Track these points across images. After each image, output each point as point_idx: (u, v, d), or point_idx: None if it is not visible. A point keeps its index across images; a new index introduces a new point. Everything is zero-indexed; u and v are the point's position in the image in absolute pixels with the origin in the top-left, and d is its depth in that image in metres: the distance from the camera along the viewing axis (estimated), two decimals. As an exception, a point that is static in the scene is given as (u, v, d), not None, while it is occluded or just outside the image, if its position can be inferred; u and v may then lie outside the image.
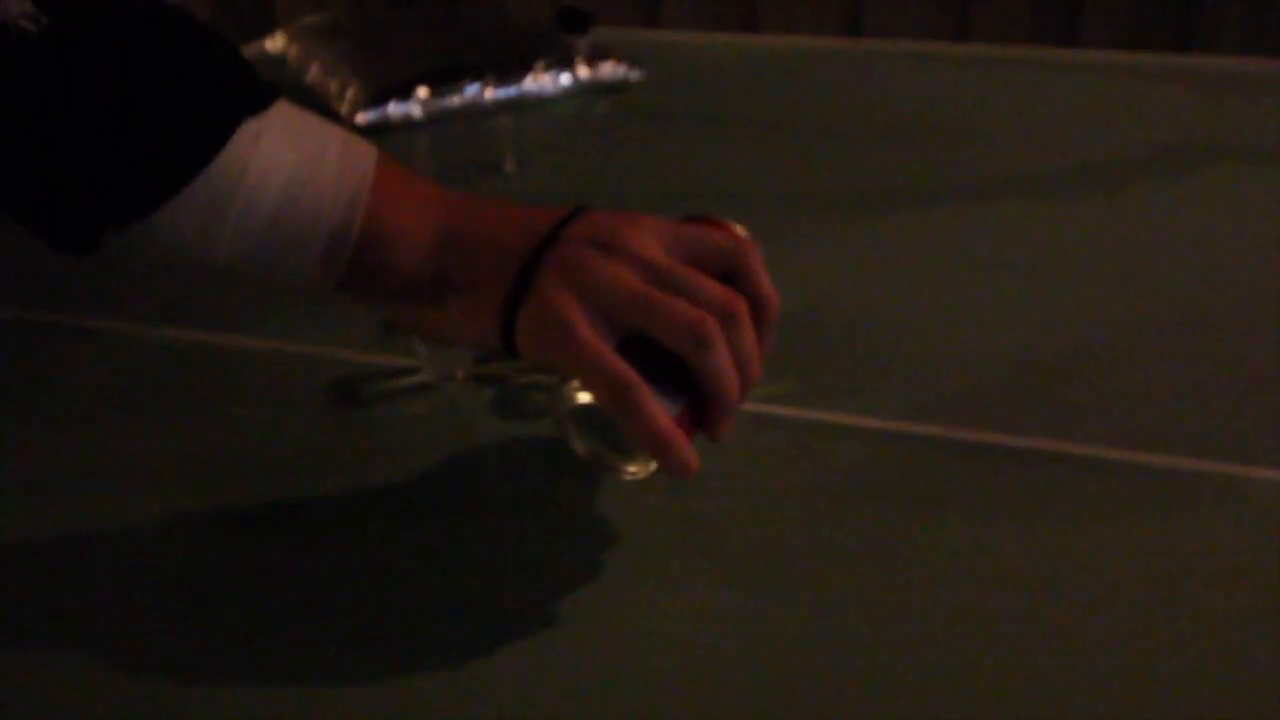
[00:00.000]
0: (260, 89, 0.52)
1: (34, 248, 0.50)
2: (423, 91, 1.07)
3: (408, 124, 1.06)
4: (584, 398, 0.47)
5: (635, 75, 1.14)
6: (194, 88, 0.49)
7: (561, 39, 1.16)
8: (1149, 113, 1.07)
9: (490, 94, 1.09)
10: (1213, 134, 1.01)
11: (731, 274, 0.53)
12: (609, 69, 1.13)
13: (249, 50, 1.23)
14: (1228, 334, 0.71)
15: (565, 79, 1.12)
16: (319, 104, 1.06)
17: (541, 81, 1.11)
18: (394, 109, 1.05)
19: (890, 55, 1.27)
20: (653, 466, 0.49)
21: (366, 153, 0.53)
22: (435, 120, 1.07)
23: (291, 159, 0.50)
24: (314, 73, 1.10)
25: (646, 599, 0.49)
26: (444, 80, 1.08)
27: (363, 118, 1.04)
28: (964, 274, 0.78)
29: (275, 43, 1.20)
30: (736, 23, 1.73)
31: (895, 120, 1.07)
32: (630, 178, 0.96)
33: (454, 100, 1.08)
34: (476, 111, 1.09)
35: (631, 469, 0.51)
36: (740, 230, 0.56)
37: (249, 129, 0.49)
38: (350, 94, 1.06)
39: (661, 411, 0.46)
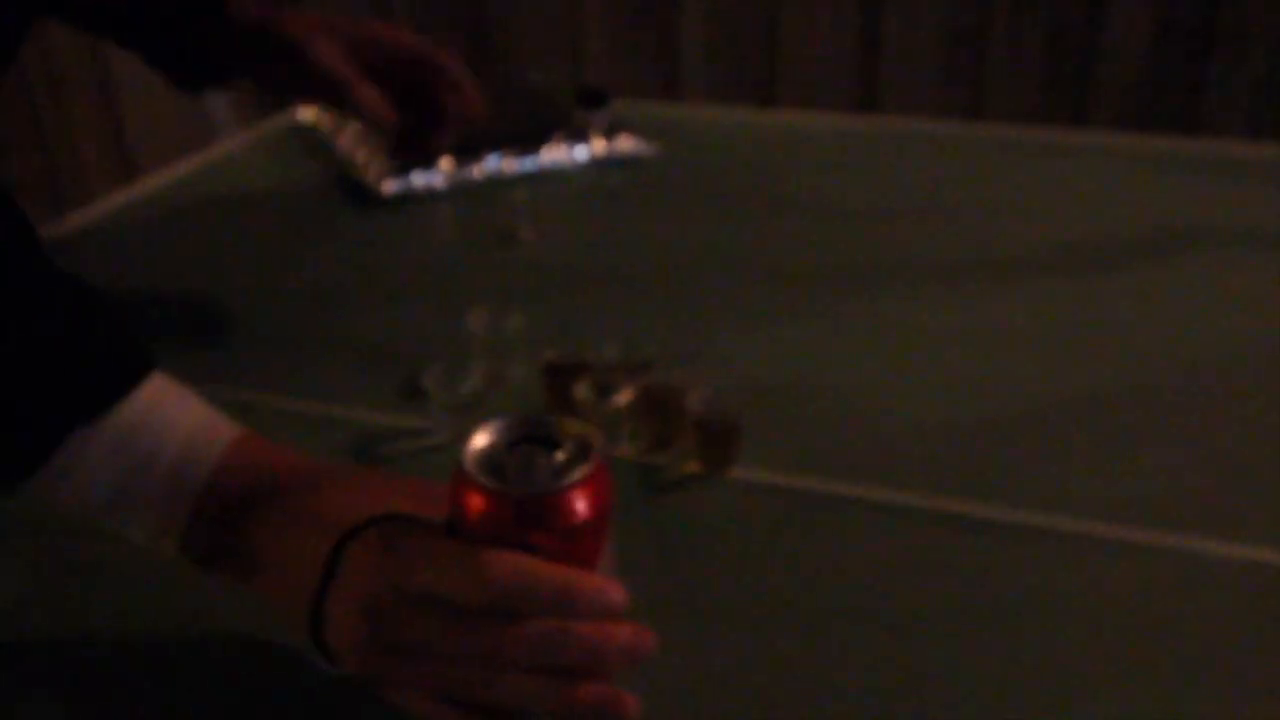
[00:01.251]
0: (102, 390, 0.52)
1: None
2: (445, 163, 1.11)
3: (431, 194, 1.10)
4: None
5: (650, 150, 1.18)
6: (30, 394, 0.50)
7: (579, 114, 1.20)
8: (1150, 194, 1.09)
9: (509, 166, 1.14)
10: (1211, 216, 1.04)
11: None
12: (624, 143, 1.17)
13: (279, 121, 1.28)
14: (1217, 412, 0.74)
15: (582, 153, 1.16)
16: (349, 173, 1.12)
17: (559, 154, 1.16)
18: (418, 179, 1.10)
19: (902, 134, 1.30)
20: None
21: (206, 455, 0.52)
22: (457, 190, 1.11)
23: (107, 479, 0.51)
24: (343, 143, 1.16)
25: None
26: (466, 152, 1.12)
27: (389, 187, 1.08)
28: (955, 348, 0.82)
29: (306, 113, 1.25)
30: (755, 96, 1.77)
31: (902, 197, 1.10)
32: (638, 249, 1.00)
33: (475, 171, 1.12)
34: (496, 182, 1.13)
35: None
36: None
37: (75, 441, 0.51)
38: (376, 164, 1.11)
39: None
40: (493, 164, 1.13)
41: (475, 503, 0.45)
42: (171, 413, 0.54)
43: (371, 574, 0.46)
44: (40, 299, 0.52)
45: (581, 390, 0.70)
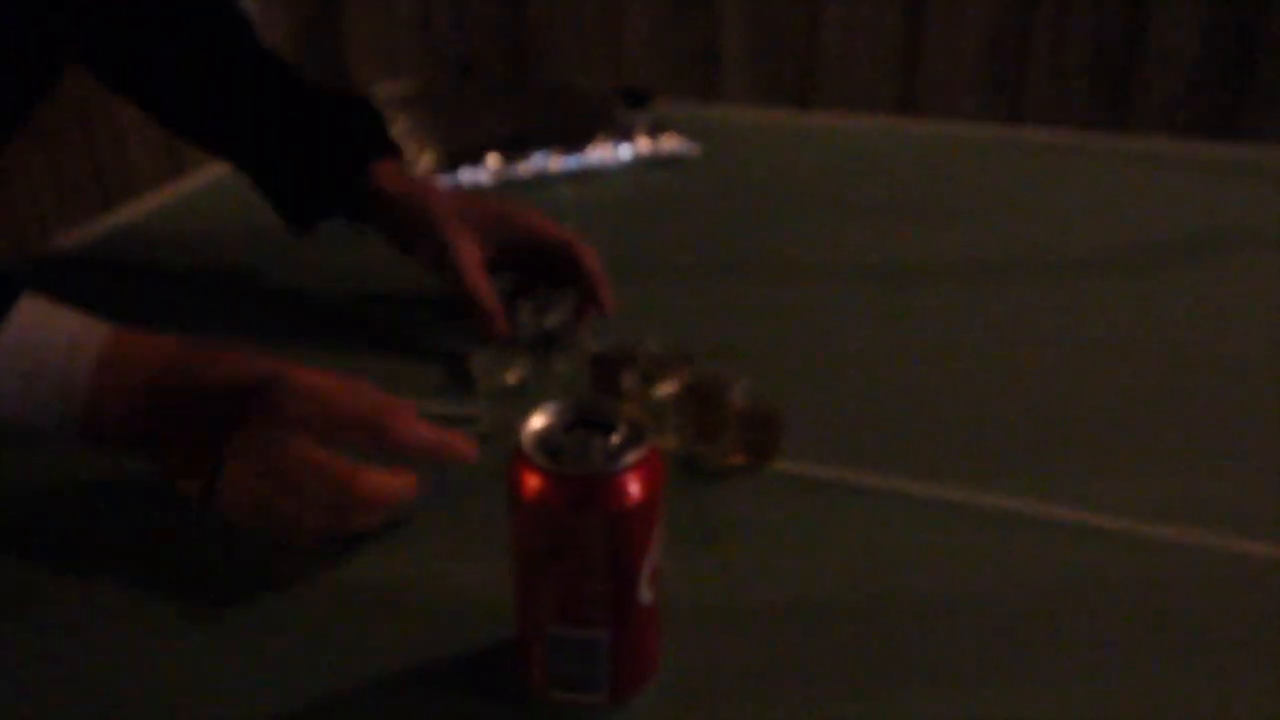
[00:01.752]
0: None
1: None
2: (493, 159, 1.14)
3: (477, 190, 1.12)
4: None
5: (693, 149, 1.19)
6: None
7: (623, 114, 1.23)
8: (1191, 199, 1.10)
9: (555, 164, 1.16)
10: (1251, 221, 1.05)
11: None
12: (668, 143, 1.19)
13: None
14: (1248, 415, 0.75)
15: (626, 152, 1.18)
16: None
17: (603, 153, 1.18)
18: (465, 174, 1.12)
19: (941, 137, 1.31)
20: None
21: (87, 354, 0.59)
22: (503, 187, 1.13)
23: (11, 384, 0.58)
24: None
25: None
26: (513, 149, 1.15)
27: (438, 182, 1.10)
28: (994, 346, 0.83)
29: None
30: (793, 98, 1.79)
31: (939, 199, 1.11)
32: (680, 246, 1.01)
33: (521, 168, 1.14)
34: (542, 180, 1.15)
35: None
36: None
37: None
38: (425, 159, 1.13)
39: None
40: (539, 162, 1.16)
41: (531, 482, 0.47)
42: (53, 319, 0.60)
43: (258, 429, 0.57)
44: None
45: (628, 380, 0.71)
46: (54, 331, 0.59)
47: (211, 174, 1.18)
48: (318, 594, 0.59)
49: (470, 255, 0.81)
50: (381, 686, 0.53)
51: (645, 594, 0.49)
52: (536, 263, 0.84)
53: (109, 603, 0.58)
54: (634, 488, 0.47)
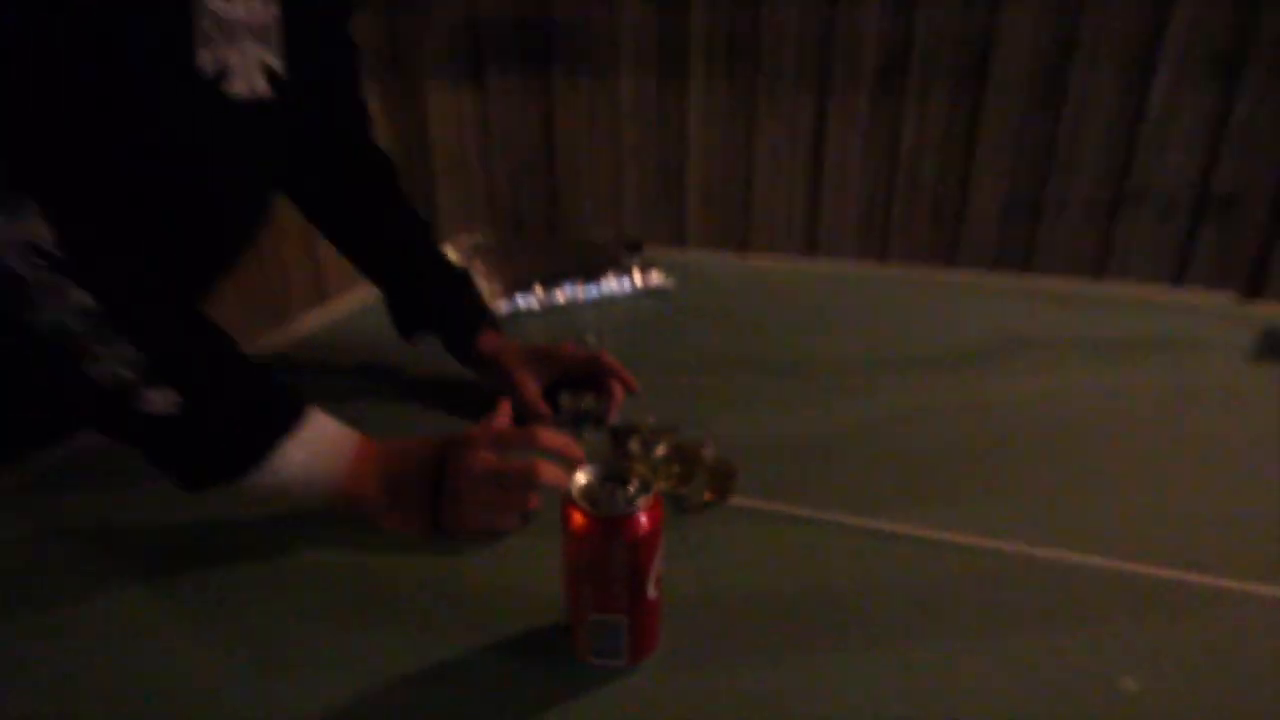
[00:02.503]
0: (293, 411, 0.58)
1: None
2: (538, 289, 1.14)
3: (529, 313, 1.12)
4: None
5: (670, 282, 1.20)
6: (246, 418, 0.56)
7: (624, 257, 1.23)
8: (996, 313, 1.08)
9: (580, 293, 1.16)
10: (1040, 333, 1.03)
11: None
12: (654, 277, 1.19)
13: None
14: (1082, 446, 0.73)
15: (626, 284, 1.18)
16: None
17: (612, 285, 1.18)
18: (520, 300, 1.13)
19: (835, 273, 1.30)
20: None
21: (346, 445, 0.61)
22: (546, 310, 1.13)
23: (302, 459, 0.58)
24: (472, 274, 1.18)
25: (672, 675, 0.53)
26: (550, 282, 1.15)
27: (501, 307, 1.10)
28: (884, 412, 0.80)
29: (447, 252, 1.28)
30: (733, 243, 1.79)
31: (835, 316, 1.10)
32: (666, 350, 1.00)
33: (558, 296, 1.15)
34: (571, 305, 1.15)
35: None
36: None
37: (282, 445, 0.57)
38: (493, 289, 1.13)
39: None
40: (568, 292, 1.16)
41: (577, 519, 0.49)
42: (326, 425, 0.61)
43: (462, 464, 0.61)
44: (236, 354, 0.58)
45: (634, 445, 0.73)
46: (327, 441, 0.60)
47: (345, 306, 1.17)
48: (426, 593, 0.58)
49: (529, 389, 0.82)
50: (466, 658, 0.52)
51: (652, 591, 0.50)
52: (578, 377, 0.84)
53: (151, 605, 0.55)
54: (644, 522, 0.49)
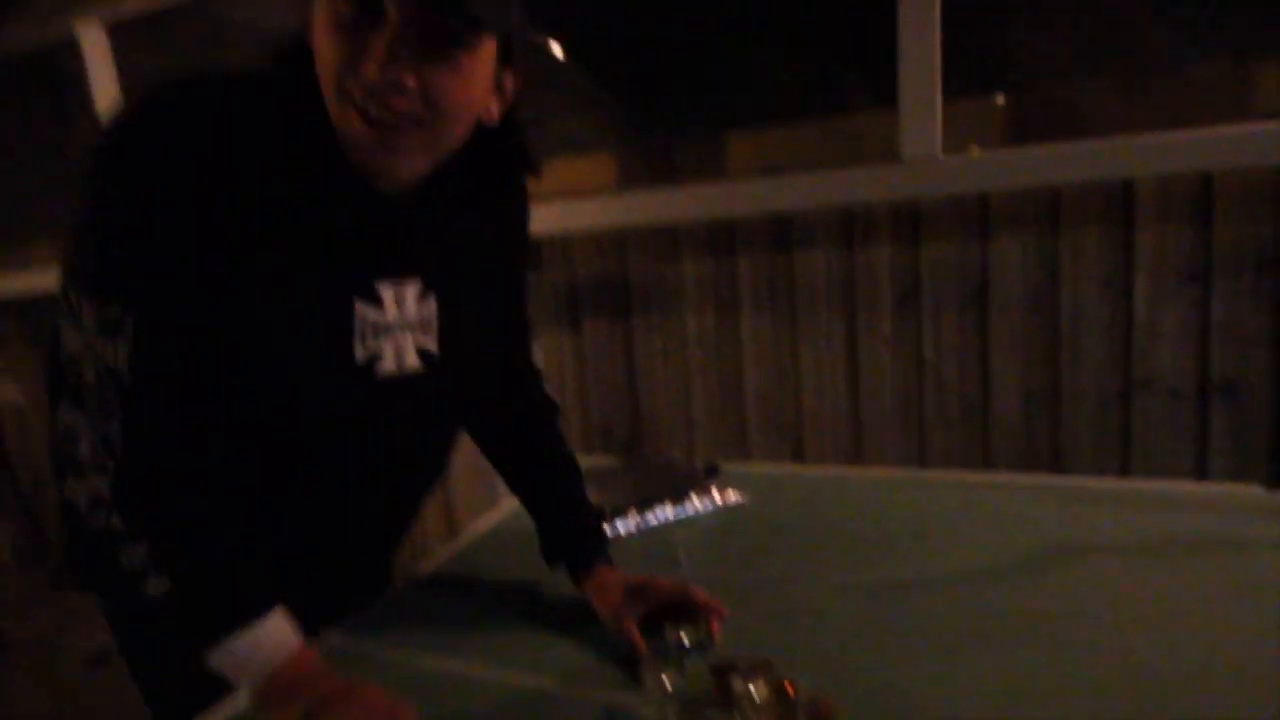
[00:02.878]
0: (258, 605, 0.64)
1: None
2: (632, 514, 1.16)
3: (628, 535, 1.13)
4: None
5: (745, 499, 1.22)
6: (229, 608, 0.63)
7: (704, 479, 1.26)
8: (1027, 514, 1.02)
9: (669, 514, 1.17)
10: (1078, 538, 0.95)
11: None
12: (731, 496, 1.22)
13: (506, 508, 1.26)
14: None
15: (708, 503, 1.19)
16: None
17: (696, 505, 1.19)
18: (620, 524, 1.15)
19: (884, 479, 1.26)
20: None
21: (275, 664, 0.65)
22: (641, 532, 1.14)
23: (231, 663, 0.63)
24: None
25: None
26: (642, 506, 1.17)
27: (605, 530, 1.08)
28: (969, 639, 0.76)
29: None
30: (789, 445, 1.76)
31: (892, 526, 1.04)
32: (747, 565, 0.98)
33: (651, 519, 1.16)
34: (662, 525, 1.15)
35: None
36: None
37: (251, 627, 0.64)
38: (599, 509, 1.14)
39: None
40: (660, 514, 1.19)
41: None
42: (277, 622, 0.66)
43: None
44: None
45: (738, 685, 0.70)
46: (262, 647, 0.64)
47: (474, 534, 1.20)
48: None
49: (625, 623, 0.82)
50: None
51: None
52: (672, 606, 0.83)
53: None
54: None
